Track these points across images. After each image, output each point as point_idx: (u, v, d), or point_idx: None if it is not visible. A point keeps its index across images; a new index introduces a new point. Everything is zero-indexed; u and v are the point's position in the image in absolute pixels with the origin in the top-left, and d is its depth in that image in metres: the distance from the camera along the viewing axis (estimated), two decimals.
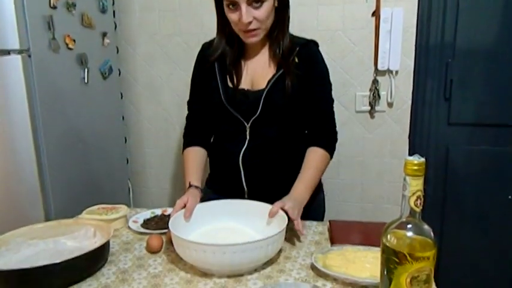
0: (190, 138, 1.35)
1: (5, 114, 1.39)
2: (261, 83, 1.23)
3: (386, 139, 1.82)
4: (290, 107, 1.23)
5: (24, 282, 0.87)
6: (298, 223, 1.07)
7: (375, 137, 1.83)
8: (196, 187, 1.20)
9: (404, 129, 1.79)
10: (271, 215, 1.07)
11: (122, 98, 2.04)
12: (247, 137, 1.26)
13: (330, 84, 1.30)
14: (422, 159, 0.61)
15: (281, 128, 1.25)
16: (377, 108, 1.79)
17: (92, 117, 1.74)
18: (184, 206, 1.11)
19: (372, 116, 1.82)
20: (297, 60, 1.21)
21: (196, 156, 1.31)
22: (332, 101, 1.30)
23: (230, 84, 1.24)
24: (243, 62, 1.27)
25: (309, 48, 1.25)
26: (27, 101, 1.39)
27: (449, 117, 1.74)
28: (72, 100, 1.62)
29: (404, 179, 0.62)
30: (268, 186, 1.24)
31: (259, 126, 1.24)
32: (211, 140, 1.39)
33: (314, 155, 1.26)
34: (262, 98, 1.20)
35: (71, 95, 1.61)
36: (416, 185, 0.61)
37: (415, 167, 0.61)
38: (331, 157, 1.30)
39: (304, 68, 1.22)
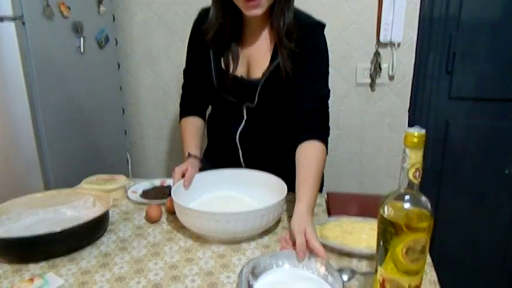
0: (186, 107, 1.34)
1: (0, 82, 1.37)
2: (257, 72, 1.18)
3: (386, 112, 1.81)
4: (288, 94, 1.17)
5: (25, 250, 0.88)
6: (322, 253, 0.83)
7: (375, 110, 1.82)
8: (195, 157, 1.20)
9: (405, 103, 1.78)
10: (301, 256, 0.84)
11: (119, 68, 2.01)
12: (245, 117, 1.24)
13: (328, 73, 1.17)
14: (423, 131, 0.61)
15: (279, 112, 1.22)
16: (378, 81, 1.77)
17: (89, 88, 1.73)
18: (183, 175, 1.11)
19: (373, 89, 1.81)
20: (295, 46, 1.11)
21: (194, 126, 1.30)
22: (328, 91, 1.17)
23: (224, 68, 1.19)
24: (239, 47, 1.20)
25: (312, 31, 1.14)
26: (23, 69, 1.36)
27: (451, 91, 1.72)
28: (68, 70, 1.59)
29: (404, 151, 0.62)
30: (266, 164, 1.22)
31: (256, 110, 1.22)
32: (209, 113, 1.38)
33: (313, 151, 1.09)
34: (258, 89, 1.17)
35: (67, 65, 1.59)
36: (415, 157, 0.61)
37: (415, 139, 0.60)
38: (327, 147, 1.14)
39: (302, 51, 1.12)
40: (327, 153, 1.13)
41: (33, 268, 0.87)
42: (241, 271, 0.79)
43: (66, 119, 1.60)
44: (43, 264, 0.89)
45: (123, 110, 2.08)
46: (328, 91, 1.17)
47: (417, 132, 0.61)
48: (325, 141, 1.12)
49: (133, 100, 2.11)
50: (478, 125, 1.72)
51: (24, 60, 1.37)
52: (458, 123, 1.74)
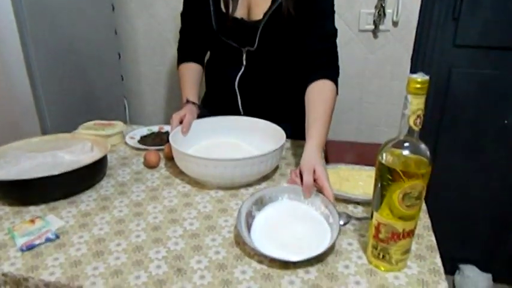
0: (184, 53, 1.30)
1: None
2: (258, 13, 1.13)
3: (388, 60, 1.77)
4: (290, 36, 1.14)
5: (24, 192, 0.89)
6: (330, 193, 0.84)
7: (377, 57, 1.78)
8: (194, 103, 1.18)
9: (408, 50, 1.73)
10: (307, 195, 0.86)
11: (113, 10, 1.93)
12: (244, 63, 1.21)
13: (333, 12, 1.14)
14: (427, 77, 0.59)
15: (280, 56, 1.19)
16: (381, 27, 1.71)
17: (83, 31, 1.67)
18: (182, 122, 1.10)
19: (375, 36, 1.75)
20: None
21: (192, 72, 1.27)
22: (336, 30, 1.15)
23: (224, 10, 1.14)
24: None
25: None
26: (14, 13, 1.30)
27: (455, 39, 1.67)
28: (61, 13, 1.52)
29: (406, 97, 0.61)
30: (265, 111, 1.21)
31: (256, 54, 1.19)
32: (207, 59, 1.34)
33: (323, 90, 1.07)
34: (259, 31, 1.13)
35: (60, 8, 1.51)
36: (417, 103, 0.60)
37: (418, 85, 0.59)
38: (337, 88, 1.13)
39: None
40: (337, 92, 1.11)
41: (34, 210, 0.89)
42: (243, 203, 0.82)
43: (61, 63, 1.55)
44: (43, 207, 0.90)
45: (119, 54, 2.03)
46: (336, 30, 1.15)
47: (421, 78, 0.59)
48: (335, 81, 1.11)
49: (130, 45, 2.05)
50: (481, 74, 1.69)
51: (15, 3, 1.31)
52: (461, 71, 1.71)
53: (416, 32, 1.70)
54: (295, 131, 1.16)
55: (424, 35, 1.69)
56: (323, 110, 1.03)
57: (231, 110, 1.25)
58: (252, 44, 1.16)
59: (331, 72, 1.12)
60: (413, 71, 1.73)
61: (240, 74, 1.21)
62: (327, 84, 1.08)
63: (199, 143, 1.13)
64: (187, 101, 1.18)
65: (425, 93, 0.60)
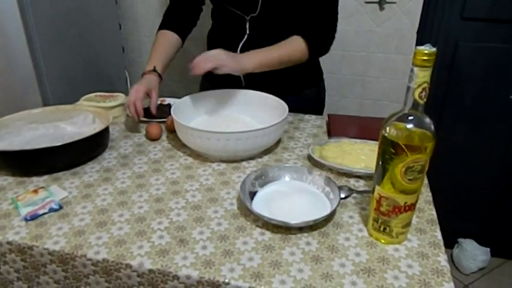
0: (167, 20, 1.26)
1: None
2: None
3: (394, 33, 1.74)
4: (293, 3, 1.12)
5: (27, 163, 0.90)
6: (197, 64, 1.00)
7: (382, 30, 1.74)
8: (153, 72, 1.15)
9: (414, 24, 1.70)
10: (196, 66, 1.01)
11: None
12: (247, 31, 1.19)
13: None
14: (434, 49, 0.58)
15: (282, 24, 1.17)
16: None
17: (83, 1, 1.63)
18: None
19: (381, 8, 1.71)
20: None
21: (167, 41, 1.23)
22: (336, 14, 1.15)
23: None
24: None
25: None
26: None
27: (464, 11, 1.63)
28: None
29: (412, 70, 0.59)
30: (267, 81, 1.19)
31: (259, 21, 1.16)
32: (209, 31, 1.31)
33: (290, 40, 1.12)
34: None
35: None
36: (423, 76, 0.59)
37: (425, 57, 0.58)
38: (310, 57, 1.15)
39: None
40: (309, 57, 1.13)
41: (37, 181, 0.89)
42: (247, 176, 0.83)
43: (62, 35, 1.53)
44: (46, 177, 0.91)
45: (120, 25, 1.99)
46: (336, 14, 1.14)
47: (428, 49, 0.58)
48: (310, 43, 1.11)
49: (130, 14, 2.01)
50: (488, 48, 1.66)
51: None
52: (468, 45, 1.67)
53: (424, 4, 1.65)
54: (297, 104, 1.15)
55: (432, 7, 1.65)
56: (275, 53, 1.09)
57: (232, 81, 1.23)
58: (254, 9, 1.13)
59: (312, 35, 1.12)
60: (419, 44, 1.70)
61: (242, 42, 1.19)
62: (296, 40, 1.11)
63: (202, 116, 1.13)
64: (148, 72, 1.15)
65: (432, 66, 0.59)
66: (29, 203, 0.79)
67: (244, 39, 1.19)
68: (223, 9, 1.17)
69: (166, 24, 1.25)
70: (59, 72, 1.53)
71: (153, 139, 1.09)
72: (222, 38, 1.25)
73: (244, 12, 1.16)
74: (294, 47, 1.12)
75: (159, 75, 1.16)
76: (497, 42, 1.64)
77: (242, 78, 1.24)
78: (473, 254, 1.92)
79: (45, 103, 1.47)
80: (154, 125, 1.09)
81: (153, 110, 1.10)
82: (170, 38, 1.23)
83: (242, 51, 1.20)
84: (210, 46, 1.31)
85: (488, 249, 1.94)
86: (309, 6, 1.12)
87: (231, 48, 1.20)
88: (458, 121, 1.81)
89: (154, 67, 1.15)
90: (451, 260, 1.99)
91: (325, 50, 1.17)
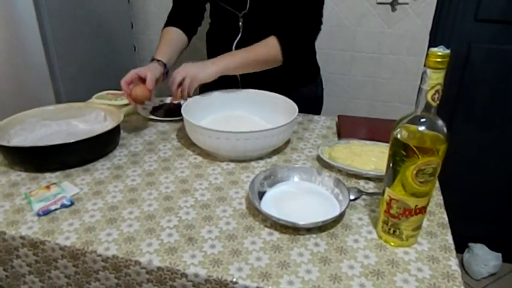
0: (172, 19, 1.27)
1: None
2: None
3: (406, 34, 1.72)
4: (280, 1, 1.12)
5: (40, 159, 0.91)
6: (178, 92, 1.05)
7: (394, 31, 1.73)
8: (158, 61, 1.14)
9: (427, 25, 1.68)
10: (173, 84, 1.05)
11: None
12: (241, 28, 1.19)
13: None
14: (448, 51, 0.57)
15: (273, 21, 1.16)
16: (400, 0, 1.66)
17: (95, 1, 1.65)
18: (142, 79, 1.07)
19: (393, 9, 1.70)
20: None
21: (173, 37, 1.23)
22: (320, 24, 1.15)
23: None
24: None
25: None
26: None
27: (477, 12, 1.61)
28: None
29: (425, 72, 0.59)
30: (262, 79, 1.19)
31: (251, 18, 1.17)
32: (207, 31, 1.32)
33: (264, 41, 1.11)
34: None
35: None
36: (436, 78, 0.58)
37: (439, 59, 0.57)
38: (284, 58, 1.12)
39: None
40: (283, 61, 1.12)
41: (49, 177, 0.90)
42: (256, 176, 0.83)
43: (75, 33, 1.55)
44: (58, 174, 0.92)
45: (132, 24, 2.01)
46: (319, 16, 1.14)
47: (441, 51, 0.57)
48: (286, 46, 1.10)
49: (142, 14, 2.03)
50: (501, 50, 1.63)
51: None
52: (481, 47, 1.65)
53: (437, 5, 1.64)
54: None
55: (445, 9, 1.64)
56: (243, 50, 1.10)
57: (228, 78, 1.18)
58: (244, 6, 1.14)
59: (286, 35, 1.11)
60: (432, 46, 1.68)
61: (236, 40, 1.20)
62: (271, 40, 1.10)
63: (211, 115, 1.13)
64: (152, 59, 1.15)
65: (446, 68, 0.58)
66: (41, 199, 0.80)
67: (239, 37, 1.20)
68: (217, 7, 1.19)
69: (170, 22, 1.27)
70: (71, 70, 1.54)
71: (139, 102, 1.06)
72: (219, 36, 1.26)
73: (236, 9, 1.17)
74: (266, 49, 1.11)
75: (163, 64, 1.15)
76: (510, 44, 1.62)
77: (238, 76, 1.24)
78: (484, 259, 1.89)
79: (58, 100, 1.49)
80: (141, 87, 1.05)
81: (149, 86, 1.06)
82: (174, 33, 1.25)
83: (237, 49, 1.20)
84: (209, 45, 1.32)
85: (500, 254, 1.92)
86: (291, 5, 1.11)
87: (227, 46, 1.21)
88: (470, 123, 1.79)
89: (154, 57, 1.15)
90: (462, 265, 1.97)
91: (298, 51, 1.15)
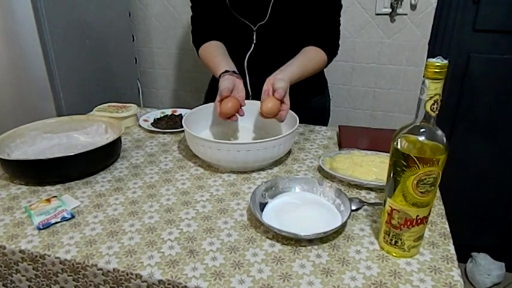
0: (201, 36, 1.26)
1: (7, 7, 1.33)
2: None
3: (405, 45, 1.74)
4: (301, 12, 1.14)
5: (41, 172, 0.91)
6: (283, 114, 0.99)
7: (393, 42, 1.75)
8: (231, 72, 1.08)
9: (425, 35, 1.69)
10: (266, 93, 1.01)
11: None
12: (254, 41, 1.20)
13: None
14: (445, 62, 0.58)
15: (290, 33, 1.19)
16: (399, 10, 1.67)
17: (97, 13, 1.67)
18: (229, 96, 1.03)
19: (392, 20, 1.71)
20: None
21: (217, 46, 1.22)
22: (340, 6, 1.20)
23: None
24: None
25: None
26: None
27: (476, 23, 1.62)
28: None
29: (423, 82, 0.59)
30: None
31: (266, 30, 1.18)
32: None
33: (311, 49, 1.16)
34: (271, 3, 1.13)
35: None
36: (435, 88, 0.59)
37: (437, 69, 0.57)
38: (326, 65, 1.21)
39: None
40: (326, 65, 1.21)
41: (50, 190, 0.90)
42: (257, 187, 0.83)
43: (76, 46, 1.56)
44: (59, 186, 0.92)
45: (133, 37, 2.02)
46: (340, 6, 1.20)
47: (439, 62, 0.57)
48: (328, 52, 1.18)
49: (143, 27, 2.05)
50: (500, 60, 1.64)
51: None
52: (481, 57, 1.66)
53: (435, 15, 1.65)
54: (305, 113, 1.15)
55: (443, 19, 1.65)
56: (306, 62, 1.13)
57: None
58: (263, 17, 1.15)
59: (328, 46, 1.18)
60: (431, 56, 1.69)
61: (249, 52, 1.21)
62: (317, 50, 1.16)
63: (213, 126, 1.13)
64: (225, 72, 1.08)
65: (444, 78, 0.58)
66: (41, 212, 0.80)
67: (251, 49, 1.21)
68: (231, 19, 1.18)
69: (202, 40, 1.24)
70: (72, 83, 1.55)
71: (228, 117, 1.02)
72: (230, 49, 1.26)
73: (252, 22, 1.18)
74: (317, 57, 1.17)
75: (231, 72, 1.08)
76: (509, 54, 1.63)
77: (249, 85, 1.25)
78: (488, 268, 1.88)
79: (59, 113, 1.50)
80: (228, 100, 1.01)
81: (242, 102, 1.04)
82: (216, 43, 1.23)
83: (249, 61, 1.21)
84: None
85: (503, 264, 1.90)
86: (315, 14, 1.15)
87: (238, 58, 1.22)
88: (471, 133, 1.79)
89: (226, 69, 1.09)
90: (465, 275, 1.95)
91: (335, 55, 1.24)
